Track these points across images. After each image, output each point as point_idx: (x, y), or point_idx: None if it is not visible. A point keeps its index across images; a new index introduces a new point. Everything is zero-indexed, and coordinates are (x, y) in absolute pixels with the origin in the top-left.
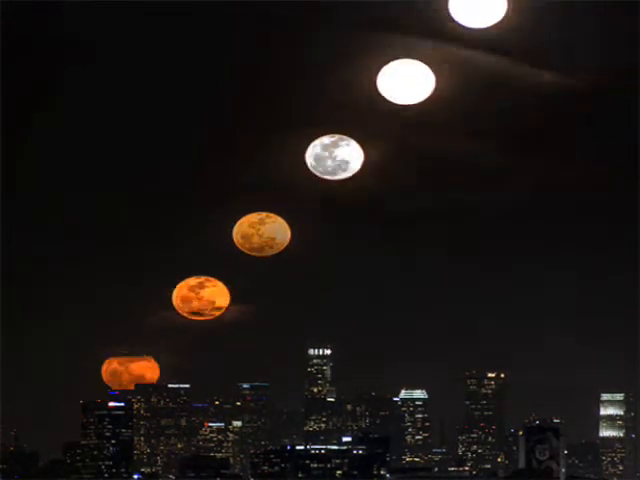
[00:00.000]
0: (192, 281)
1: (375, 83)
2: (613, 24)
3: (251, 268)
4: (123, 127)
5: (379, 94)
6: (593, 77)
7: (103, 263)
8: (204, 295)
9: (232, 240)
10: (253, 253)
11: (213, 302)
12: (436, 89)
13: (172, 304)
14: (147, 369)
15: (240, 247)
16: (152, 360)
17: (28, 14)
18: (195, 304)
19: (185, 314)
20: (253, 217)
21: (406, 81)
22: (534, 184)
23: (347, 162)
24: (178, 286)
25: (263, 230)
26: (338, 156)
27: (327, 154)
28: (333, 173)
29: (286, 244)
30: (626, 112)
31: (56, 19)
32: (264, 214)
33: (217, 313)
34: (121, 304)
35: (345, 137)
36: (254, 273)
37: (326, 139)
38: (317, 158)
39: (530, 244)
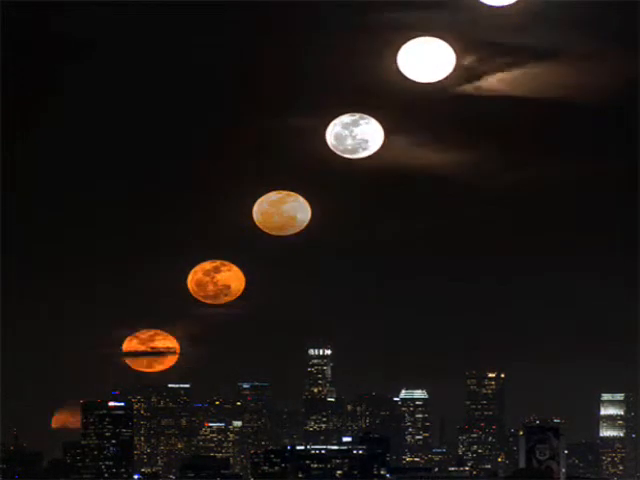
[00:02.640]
0: (207, 265)
1: (396, 61)
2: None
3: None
4: (123, 127)
5: (399, 72)
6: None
7: (103, 262)
8: (219, 279)
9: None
10: (274, 232)
11: (229, 286)
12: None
13: (187, 288)
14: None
15: (260, 226)
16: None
17: (28, 14)
18: (211, 288)
19: (200, 298)
20: (273, 195)
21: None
22: (534, 184)
23: (367, 141)
24: (193, 270)
25: (284, 209)
26: (358, 135)
27: (347, 132)
28: (353, 152)
29: (307, 223)
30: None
31: (56, 19)
32: (284, 192)
33: (231, 298)
34: (121, 304)
35: (365, 116)
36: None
37: (346, 118)
38: (337, 137)
39: (530, 244)
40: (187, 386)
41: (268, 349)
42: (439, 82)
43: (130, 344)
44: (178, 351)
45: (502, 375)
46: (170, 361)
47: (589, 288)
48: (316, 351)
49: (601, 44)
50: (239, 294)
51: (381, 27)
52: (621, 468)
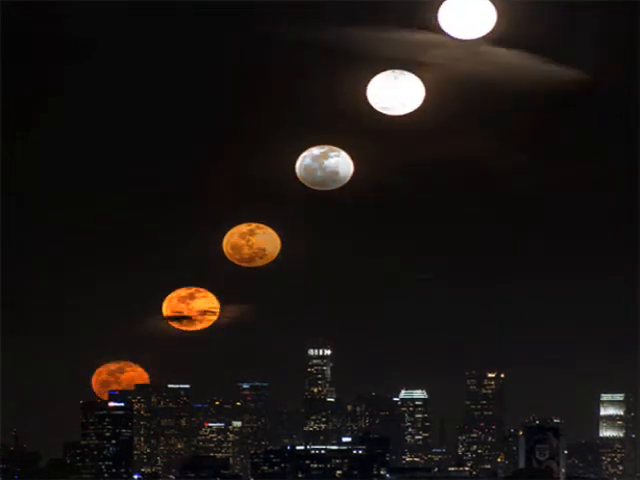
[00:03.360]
0: (183, 292)
1: (365, 94)
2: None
3: (245, 274)
4: (123, 127)
5: (368, 104)
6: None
7: (103, 262)
8: (194, 306)
9: (222, 251)
10: (243, 264)
11: (204, 311)
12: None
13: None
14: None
15: (230, 258)
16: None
17: (28, 14)
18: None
19: (175, 325)
20: (243, 228)
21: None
22: (534, 184)
23: (337, 173)
24: (168, 297)
25: (253, 241)
26: (328, 167)
27: (317, 165)
28: (322, 184)
29: (276, 255)
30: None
31: (56, 19)
32: (254, 225)
33: (209, 320)
34: (119, 308)
35: (335, 148)
36: (251, 276)
37: (316, 150)
38: (307, 169)
39: (530, 244)
40: (187, 386)
41: (268, 349)
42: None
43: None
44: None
45: (502, 375)
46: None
47: (589, 288)
48: (316, 351)
49: (601, 44)
50: (217, 317)
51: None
52: (621, 468)
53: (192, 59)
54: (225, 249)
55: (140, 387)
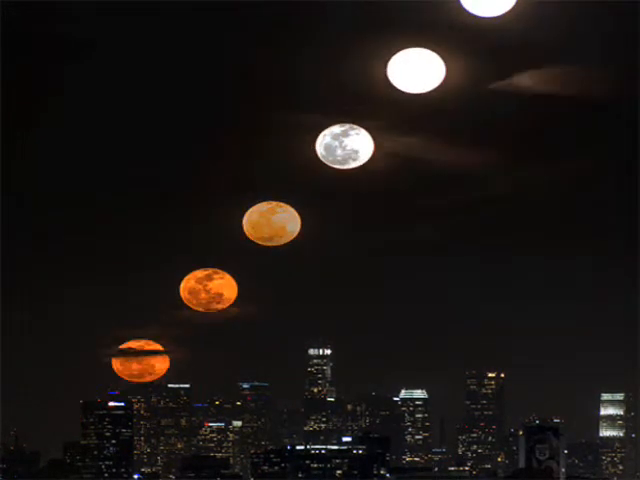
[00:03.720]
0: (200, 273)
1: (385, 72)
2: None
3: (255, 262)
4: (123, 127)
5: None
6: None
7: (103, 262)
8: (212, 287)
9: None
10: (263, 243)
11: (221, 294)
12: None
13: (179, 297)
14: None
15: (250, 237)
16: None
17: (28, 14)
18: (203, 296)
19: (192, 306)
20: (263, 206)
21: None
22: (534, 184)
23: (357, 151)
24: (185, 278)
25: (274, 219)
26: (348, 145)
27: (337, 143)
28: (343, 162)
29: (296, 234)
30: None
31: (56, 19)
32: (274, 203)
33: (224, 306)
34: (121, 304)
35: (355, 126)
36: (259, 266)
37: (336, 128)
38: (327, 147)
39: (529, 243)
40: (187, 386)
41: (268, 349)
42: (429, 93)
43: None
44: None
45: (502, 375)
46: (161, 370)
47: (589, 288)
48: (316, 351)
49: (601, 44)
50: (231, 302)
51: (371, 39)
52: (621, 468)
53: (192, 59)
54: (245, 228)
55: (140, 387)
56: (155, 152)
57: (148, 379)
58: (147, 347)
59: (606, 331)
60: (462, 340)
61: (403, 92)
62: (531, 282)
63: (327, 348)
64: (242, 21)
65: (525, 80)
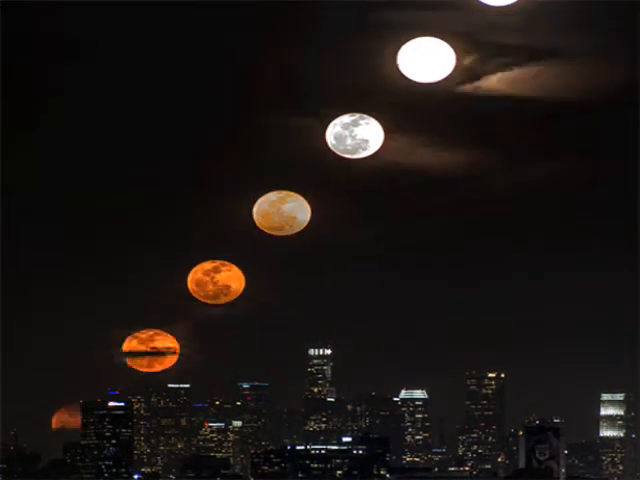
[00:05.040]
0: (207, 265)
1: (396, 61)
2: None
3: (264, 253)
4: (123, 127)
5: (400, 73)
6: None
7: (103, 262)
8: (219, 280)
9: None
10: (273, 232)
11: (228, 286)
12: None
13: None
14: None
15: (260, 226)
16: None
17: (28, 14)
18: (210, 288)
19: (200, 298)
20: (273, 195)
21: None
22: (533, 184)
23: (367, 141)
24: (193, 270)
25: (283, 209)
26: (358, 135)
27: (347, 133)
28: (353, 152)
29: (306, 224)
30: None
31: (56, 19)
32: (284, 192)
33: (231, 299)
34: (121, 304)
35: (365, 116)
36: (267, 257)
37: (346, 117)
38: (337, 137)
39: (530, 244)
40: (187, 386)
41: (268, 349)
42: (439, 82)
43: (130, 344)
44: (178, 351)
45: (502, 375)
46: (170, 361)
47: (589, 288)
48: (316, 351)
49: (601, 44)
50: (239, 294)
51: (381, 27)
52: (621, 468)
53: (192, 59)
54: (255, 218)
55: (140, 387)
56: (155, 152)
57: (157, 369)
58: (156, 337)
59: (606, 331)
60: (462, 340)
61: (414, 81)
62: (531, 282)
63: (327, 348)
64: (242, 21)
65: (523, 78)
